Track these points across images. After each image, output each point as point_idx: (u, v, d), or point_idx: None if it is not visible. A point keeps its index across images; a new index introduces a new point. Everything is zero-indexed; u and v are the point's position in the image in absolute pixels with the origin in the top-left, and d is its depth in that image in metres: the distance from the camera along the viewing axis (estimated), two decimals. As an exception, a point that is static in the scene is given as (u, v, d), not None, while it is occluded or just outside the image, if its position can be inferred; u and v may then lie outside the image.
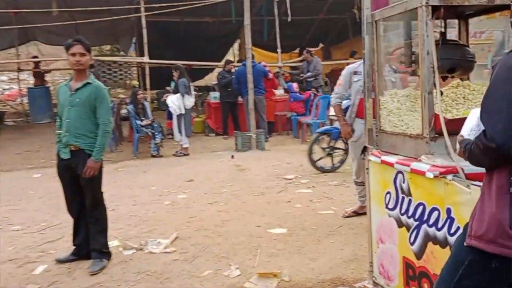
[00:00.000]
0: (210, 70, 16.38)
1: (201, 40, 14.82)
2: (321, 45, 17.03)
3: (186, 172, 7.43)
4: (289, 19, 12.38)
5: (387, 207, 2.97)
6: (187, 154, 9.06)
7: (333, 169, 6.91)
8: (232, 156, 8.41)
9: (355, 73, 4.40)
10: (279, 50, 12.38)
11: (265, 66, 10.80)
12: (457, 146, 1.98)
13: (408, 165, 2.69)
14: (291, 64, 13.34)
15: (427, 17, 2.60)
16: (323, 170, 6.88)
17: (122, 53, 18.44)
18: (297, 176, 6.68)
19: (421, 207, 2.64)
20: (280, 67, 12.71)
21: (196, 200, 5.79)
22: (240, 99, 10.49)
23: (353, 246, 3.99)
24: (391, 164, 2.86)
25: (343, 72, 4.63)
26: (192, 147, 9.34)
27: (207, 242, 4.28)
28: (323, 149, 6.92)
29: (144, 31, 11.43)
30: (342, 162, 6.92)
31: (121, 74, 18.29)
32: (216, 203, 5.58)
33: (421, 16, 2.63)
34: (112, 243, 4.22)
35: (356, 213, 4.78)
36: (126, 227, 4.82)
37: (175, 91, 9.24)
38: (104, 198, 3.98)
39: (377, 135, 3.19)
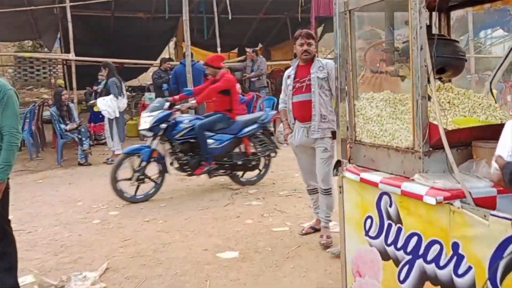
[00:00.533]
0: (144, 69, 15.50)
1: (133, 37, 13.86)
2: (260, 45, 16.59)
3: (119, 183, 6.62)
4: (230, 17, 11.82)
5: (367, 235, 2.47)
6: (120, 162, 8.19)
7: (148, 197, 5.55)
8: (171, 163, 7.66)
9: (288, 77, 4.16)
10: (219, 49, 11.78)
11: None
12: (493, 171, 1.50)
13: (399, 186, 2.19)
14: (232, 64, 12.75)
15: (421, 4, 2.13)
16: (139, 201, 5.50)
17: (46, 49, 16.92)
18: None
19: (415, 238, 2.15)
20: (220, 67, 12.09)
21: (131, 217, 5.05)
22: (178, 100, 9.76)
23: (316, 272, 3.47)
24: (374, 184, 2.35)
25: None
26: (125, 154, 8.47)
27: (144, 273, 3.59)
28: (131, 177, 5.52)
29: (70, 26, 10.37)
30: (161, 181, 5.71)
31: (44, 73, 16.92)
32: (155, 221, 4.88)
33: (412, 4, 2.15)
34: (25, 280, 3.49)
35: (314, 229, 4.31)
36: (44, 256, 4.01)
37: (106, 92, 8.33)
38: (19, 218, 3.25)
39: (351, 147, 2.69)
